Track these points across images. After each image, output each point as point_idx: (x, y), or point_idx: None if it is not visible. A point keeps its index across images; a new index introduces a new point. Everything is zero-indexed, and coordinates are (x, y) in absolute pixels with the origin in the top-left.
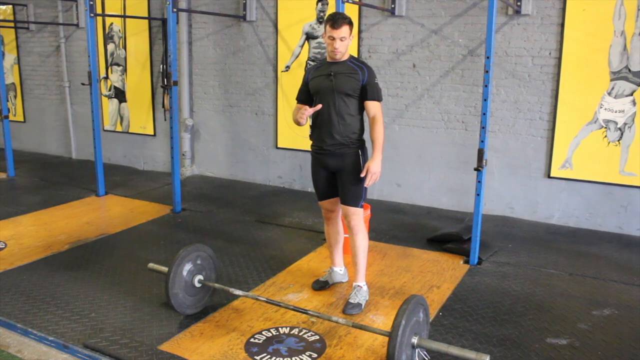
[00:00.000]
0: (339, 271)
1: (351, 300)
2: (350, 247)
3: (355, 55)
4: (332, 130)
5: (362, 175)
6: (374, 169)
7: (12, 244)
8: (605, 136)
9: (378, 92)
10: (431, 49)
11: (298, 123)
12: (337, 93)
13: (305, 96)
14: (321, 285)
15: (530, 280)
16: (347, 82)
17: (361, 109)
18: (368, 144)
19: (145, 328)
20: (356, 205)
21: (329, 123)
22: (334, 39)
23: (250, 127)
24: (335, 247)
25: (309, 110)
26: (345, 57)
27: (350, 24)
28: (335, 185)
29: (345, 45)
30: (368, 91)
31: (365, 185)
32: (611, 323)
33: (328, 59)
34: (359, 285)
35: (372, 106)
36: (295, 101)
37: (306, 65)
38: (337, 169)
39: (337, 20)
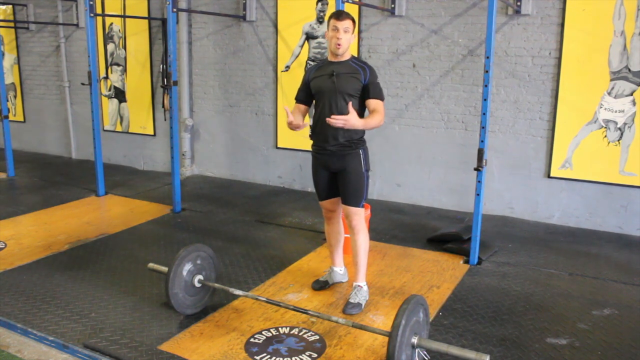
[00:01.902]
0: (339, 271)
1: (351, 300)
2: (351, 247)
3: (356, 56)
4: (334, 131)
5: (335, 118)
6: (351, 119)
7: (12, 244)
8: (605, 136)
9: (380, 91)
10: (431, 49)
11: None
12: (339, 93)
13: (305, 96)
14: (321, 285)
15: (530, 280)
16: (349, 83)
17: (363, 109)
18: (369, 144)
19: (145, 328)
20: (357, 205)
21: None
22: (337, 30)
23: (250, 127)
24: (336, 247)
25: (298, 125)
26: (347, 57)
27: (354, 20)
28: (336, 186)
29: (348, 39)
30: (370, 90)
31: (329, 121)
32: (611, 323)
33: (329, 58)
34: (359, 285)
35: (374, 103)
36: (295, 101)
37: (306, 65)
38: (339, 169)
39: (341, 12)
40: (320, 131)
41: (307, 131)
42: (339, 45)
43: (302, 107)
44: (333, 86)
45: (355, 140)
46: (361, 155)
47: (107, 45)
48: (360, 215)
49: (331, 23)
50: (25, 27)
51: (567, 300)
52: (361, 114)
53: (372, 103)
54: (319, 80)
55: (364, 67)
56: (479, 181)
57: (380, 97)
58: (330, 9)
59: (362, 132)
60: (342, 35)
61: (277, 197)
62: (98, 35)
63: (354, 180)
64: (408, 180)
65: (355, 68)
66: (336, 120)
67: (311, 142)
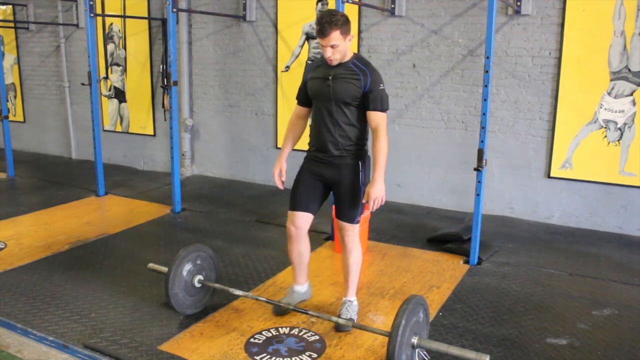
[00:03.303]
0: (301, 289)
1: (343, 316)
2: (342, 263)
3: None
4: (329, 141)
5: (364, 201)
6: (375, 194)
7: (12, 244)
8: (605, 136)
9: (382, 100)
10: (431, 49)
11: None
12: (335, 100)
13: (305, 97)
14: (283, 311)
15: (530, 280)
16: (346, 89)
17: (364, 117)
18: (370, 144)
19: (145, 328)
20: (352, 222)
21: (325, 133)
22: (325, 47)
23: (250, 127)
24: (299, 265)
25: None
26: (347, 58)
27: (342, 26)
28: (320, 201)
29: (340, 51)
30: (370, 100)
31: (371, 211)
32: (611, 323)
33: None
34: (349, 300)
35: (374, 117)
36: (296, 101)
37: (306, 66)
38: (334, 180)
39: (323, 27)
40: (316, 138)
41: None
42: (331, 60)
43: (303, 110)
44: (328, 91)
45: (354, 149)
46: (360, 167)
47: (107, 45)
48: (354, 232)
49: (318, 39)
50: (25, 27)
51: (567, 300)
52: (362, 123)
53: (373, 118)
54: (316, 82)
55: (365, 71)
56: (479, 181)
57: (382, 108)
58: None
59: (363, 139)
60: (331, 51)
61: (277, 197)
62: (98, 35)
63: (351, 195)
64: (408, 180)
65: (355, 72)
66: (373, 205)
67: (308, 146)
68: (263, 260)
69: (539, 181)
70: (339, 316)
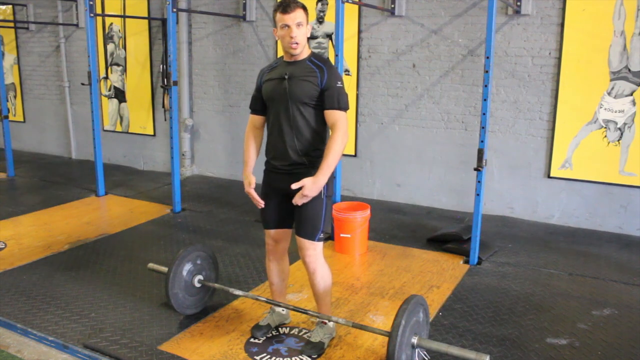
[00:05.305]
0: (282, 311)
1: (312, 339)
2: (310, 286)
3: (358, 54)
4: (287, 147)
5: (294, 187)
6: (307, 191)
7: (12, 244)
8: (605, 136)
9: (340, 98)
10: (431, 49)
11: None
12: (292, 101)
13: (260, 104)
14: (264, 332)
15: (530, 280)
16: (303, 88)
17: (325, 120)
18: (369, 144)
19: (145, 328)
20: (312, 238)
21: (283, 139)
22: (288, 26)
23: None
24: (279, 285)
25: (253, 193)
26: (304, 55)
27: (305, 8)
28: (290, 213)
29: (303, 34)
30: (326, 97)
31: (293, 202)
32: (611, 323)
33: (285, 58)
34: (322, 322)
35: (331, 116)
36: (250, 111)
37: (260, 72)
38: (293, 192)
39: (287, 4)
40: (274, 145)
41: None
42: (295, 44)
43: (258, 119)
44: (284, 92)
45: (316, 155)
46: None
47: (107, 45)
48: (315, 251)
49: (278, 19)
50: (25, 27)
51: (567, 300)
52: (323, 127)
53: (329, 116)
54: (271, 84)
55: (321, 67)
56: (478, 181)
57: (340, 107)
58: (330, 9)
59: (323, 147)
60: (296, 31)
61: None
62: (98, 35)
63: (310, 207)
64: (408, 180)
65: (311, 69)
66: (299, 200)
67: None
68: (263, 260)
69: (538, 181)
70: (308, 339)
